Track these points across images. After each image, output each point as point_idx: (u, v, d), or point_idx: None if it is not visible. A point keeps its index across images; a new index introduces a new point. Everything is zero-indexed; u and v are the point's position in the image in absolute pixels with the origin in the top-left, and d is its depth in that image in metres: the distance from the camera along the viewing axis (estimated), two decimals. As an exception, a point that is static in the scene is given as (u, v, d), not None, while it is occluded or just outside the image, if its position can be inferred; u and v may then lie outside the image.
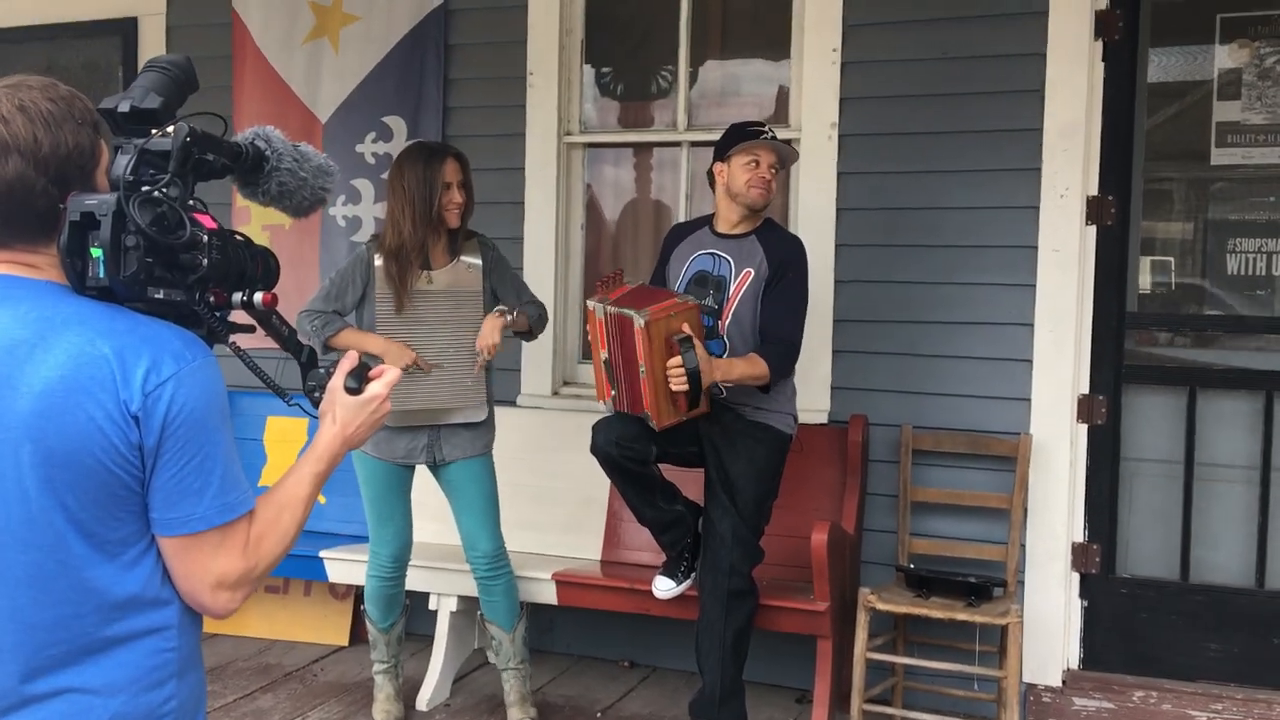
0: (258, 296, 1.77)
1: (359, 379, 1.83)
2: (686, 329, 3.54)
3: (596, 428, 3.80)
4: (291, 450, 5.09)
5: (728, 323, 3.81)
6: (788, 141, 4.52)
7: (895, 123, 4.51)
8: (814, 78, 4.58)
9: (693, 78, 4.93)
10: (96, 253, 1.61)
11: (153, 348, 1.61)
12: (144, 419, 1.59)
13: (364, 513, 4.19)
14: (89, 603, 1.62)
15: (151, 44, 5.56)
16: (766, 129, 3.91)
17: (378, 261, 3.94)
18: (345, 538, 4.87)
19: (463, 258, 4.03)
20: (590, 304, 3.73)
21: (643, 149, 5.12)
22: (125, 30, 5.58)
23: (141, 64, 5.26)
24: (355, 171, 5.16)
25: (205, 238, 1.68)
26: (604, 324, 3.68)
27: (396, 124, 5.11)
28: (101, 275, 1.62)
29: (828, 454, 4.53)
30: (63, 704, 1.62)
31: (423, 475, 4.20)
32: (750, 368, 3.71)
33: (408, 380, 3.89)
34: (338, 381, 1.83)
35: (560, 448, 4.71)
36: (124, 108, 1.71)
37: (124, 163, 1.66)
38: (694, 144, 4.89)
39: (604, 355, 3.69)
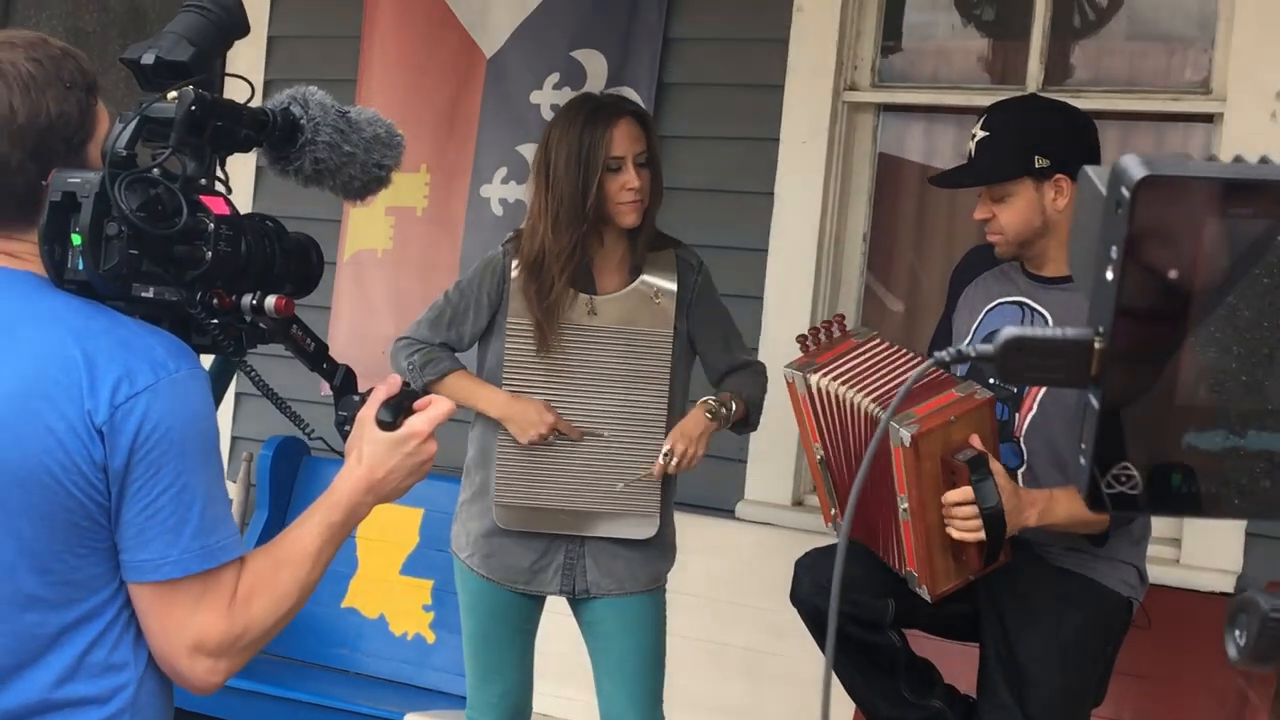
0: (269, 300, 1.72)
1: (396, 410, 1.77)
2: (976, 442, 2.85)
3: (802, 565, 3.23)
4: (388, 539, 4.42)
5: (1029, 419, 3.04)
6: (1209, 118, 3.76)
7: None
8: (1253, 9, 3.51)
9: (1057, 4, 3.98)
10: (77, 240, 1.66)
11: (130, 353, 1.68)
12: (110, 435, 1.65)
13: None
14: (28, 655, 1.69)
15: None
16: (973, 132, 2.96)
17: (516, 273, 3.31)
18: (450, 697, 4.12)
19: (647, 277, 3.33)
20: (787, 372, 3.12)
21: (969, 116, 4.23)
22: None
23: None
24: (527, 132, 4.38)
25: (210, 226, 1.70)
26: (808, 404, 3.08)
27: (593, 62, 4.34)
28: (80, 267, 1.66)
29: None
30: None
31: (555, 610, 3.42)
32: (1083, 507, 2.65)
33: (542, 460, 3.30)
34: (368, 411, 1.79)
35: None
36: (148, 59, 1.80)
37: (119, 133, 1.72)
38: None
39: (818, 452, 3.13)
